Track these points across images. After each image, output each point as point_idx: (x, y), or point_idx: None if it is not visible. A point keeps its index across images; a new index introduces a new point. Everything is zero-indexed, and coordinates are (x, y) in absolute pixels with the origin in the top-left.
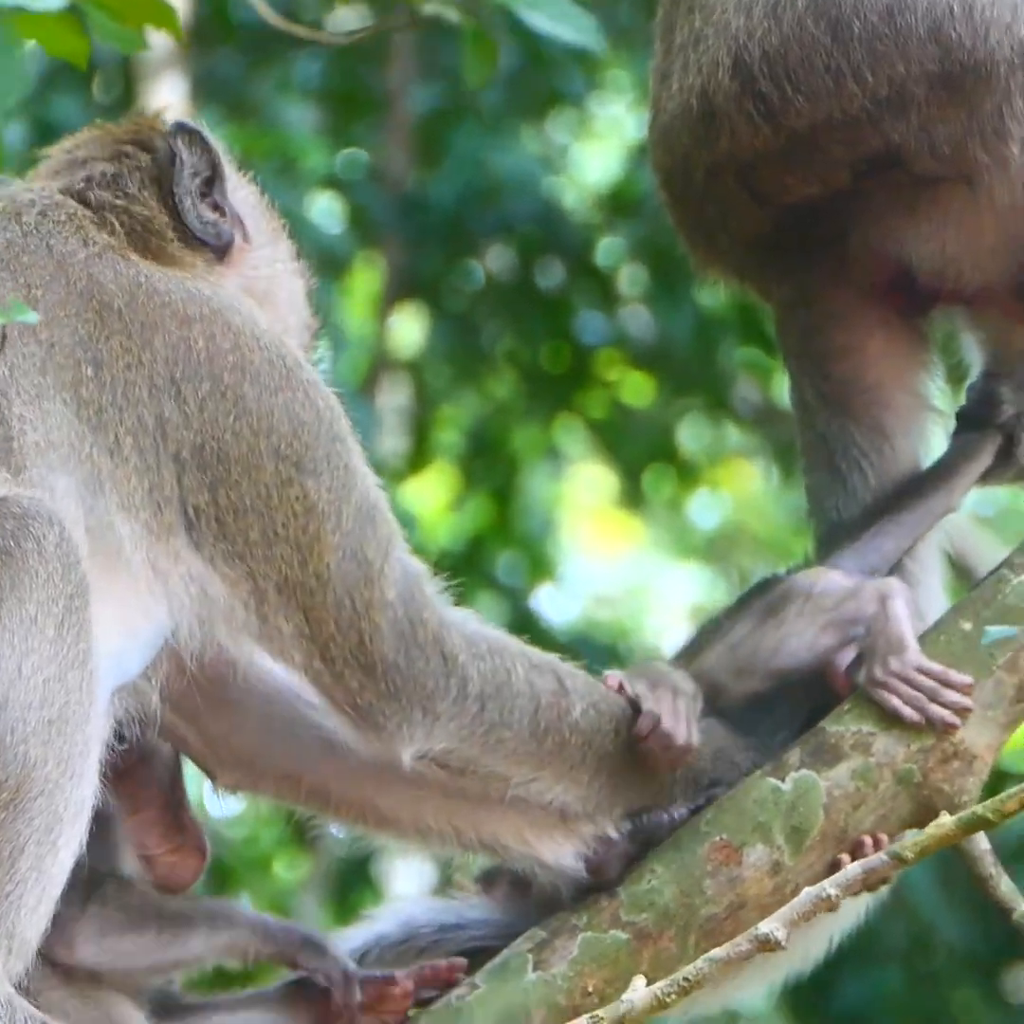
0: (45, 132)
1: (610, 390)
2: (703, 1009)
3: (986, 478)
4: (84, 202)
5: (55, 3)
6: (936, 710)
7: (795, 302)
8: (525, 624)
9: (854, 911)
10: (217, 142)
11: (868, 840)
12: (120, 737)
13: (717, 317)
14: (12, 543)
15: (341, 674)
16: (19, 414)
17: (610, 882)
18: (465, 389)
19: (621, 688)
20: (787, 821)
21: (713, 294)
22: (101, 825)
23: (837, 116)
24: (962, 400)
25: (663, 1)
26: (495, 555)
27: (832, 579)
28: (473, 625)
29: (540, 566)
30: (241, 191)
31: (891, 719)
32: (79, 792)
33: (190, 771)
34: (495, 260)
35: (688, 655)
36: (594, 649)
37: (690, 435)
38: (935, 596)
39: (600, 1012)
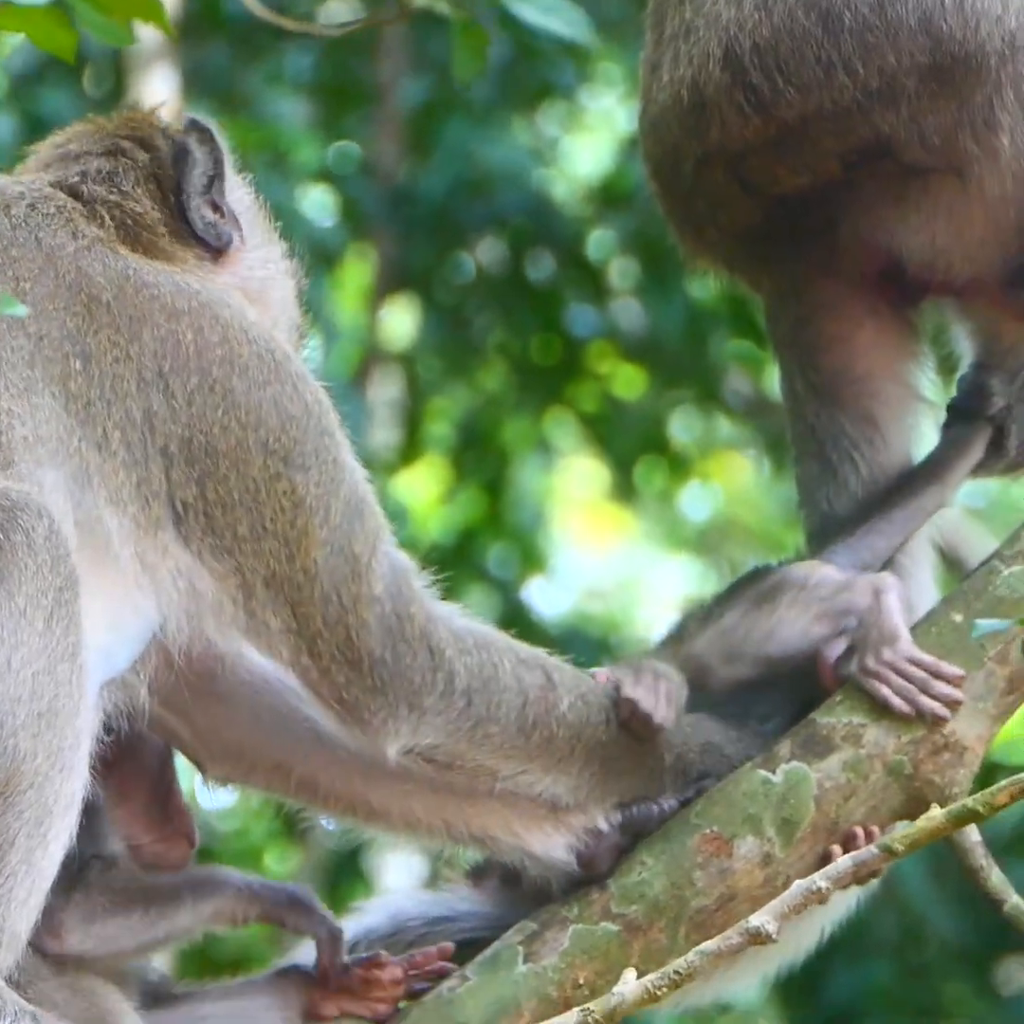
0: (35, 125)
1: (601, 382)
2: (694, 1001)
3: (977, 470)
4: (75, 195)
5: None
6: (926, 702)
7: (785, 293)
8: (516, 617)
9: (845, 902)
10: (224, 141)
11: (859, 832)
12: (108, 730)
13: (708, 309)
14: (1, 536)
15: (328, 669)
16: (8, 408)
17: (600, 874)
18: (456, 381)
19: (606, 679)
20: (778, 813)
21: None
22: (87, 814)
23: (828, 107)
24: (953, 392)
25: None
26: (486, 548)
27: (827, 571)
28: (460, 620)
29: (531, 559)
30: (238, 191)
31: (882, 711)
32: (69, 785)
33: (182, 762)
34: (486, 252)
35: (675, 639)
36: (585, 642)
37: (681, 427)
38: (926, 588)
39: (591, 1005)
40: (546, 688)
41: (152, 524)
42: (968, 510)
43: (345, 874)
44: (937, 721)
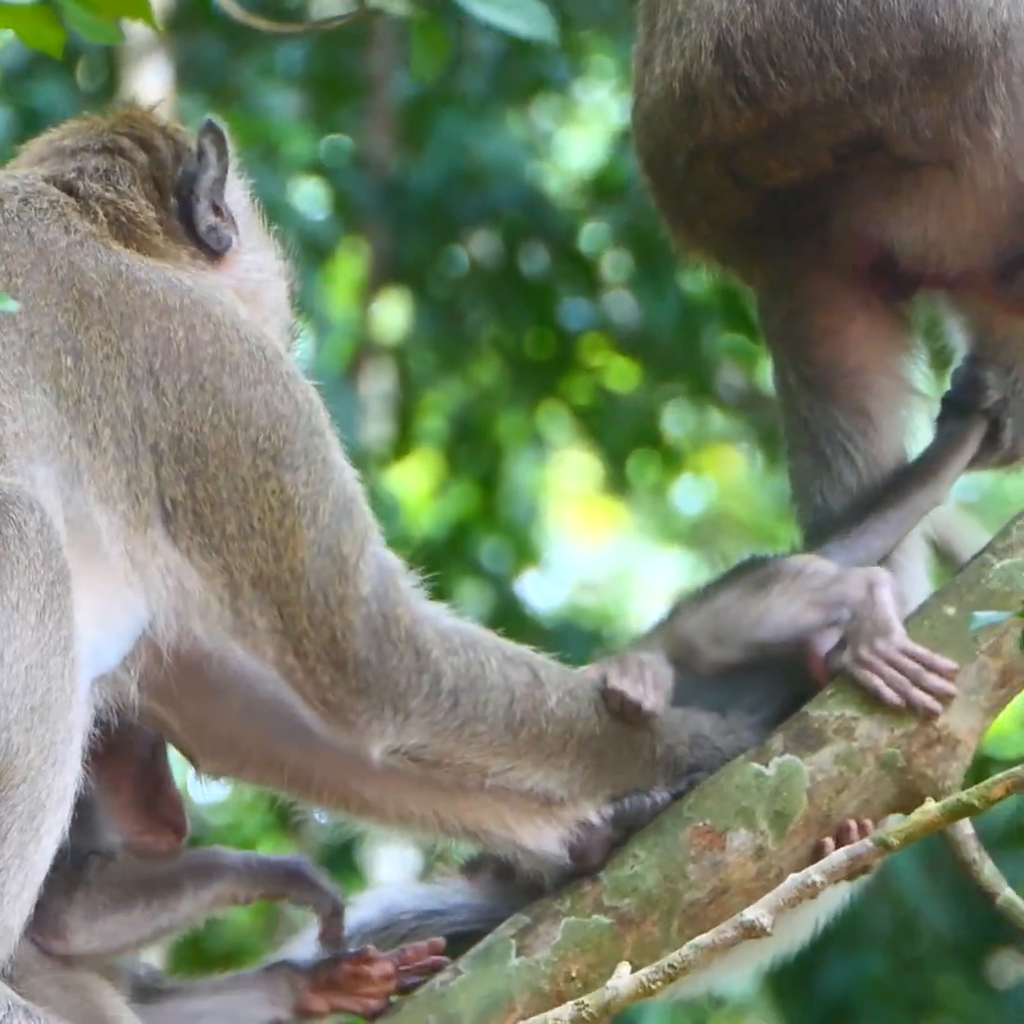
0: (28, 119)
1: (594, 376)
2: (687, 993)
3: (972, 464)
4: (70, 191)
5: None
6: (918, 695)
7: (777, 286)
8: (509, 610)
9: (838, 895)
10: (232, 144)
11: (852, 824)
12: (98, 723)
13: (701, 303)
14: None
15: (313, 670)
16: None
17: (593, 868)
18: (449, 375)
19: (593, 674)
20: (770, 806)
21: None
22: (83, 808)
23: (820, 100)
24: (947, 385)
25: None
26: (479, 542)
27: (822, 563)
28: (447, 620)
29: (524, 552)
30: (236, 191)
31: (874, 704)
32: (62, 779)
33: (175, 755)
34: (479, 246)
35: (666, 622)
36: (579, 635)
37: (674, 421)
38: (918, 582)
39: (585, 999)
40: (533, 685)
41: (141, 522)
42: (961, 504)
43: (338, 868)
44: (928, 714)
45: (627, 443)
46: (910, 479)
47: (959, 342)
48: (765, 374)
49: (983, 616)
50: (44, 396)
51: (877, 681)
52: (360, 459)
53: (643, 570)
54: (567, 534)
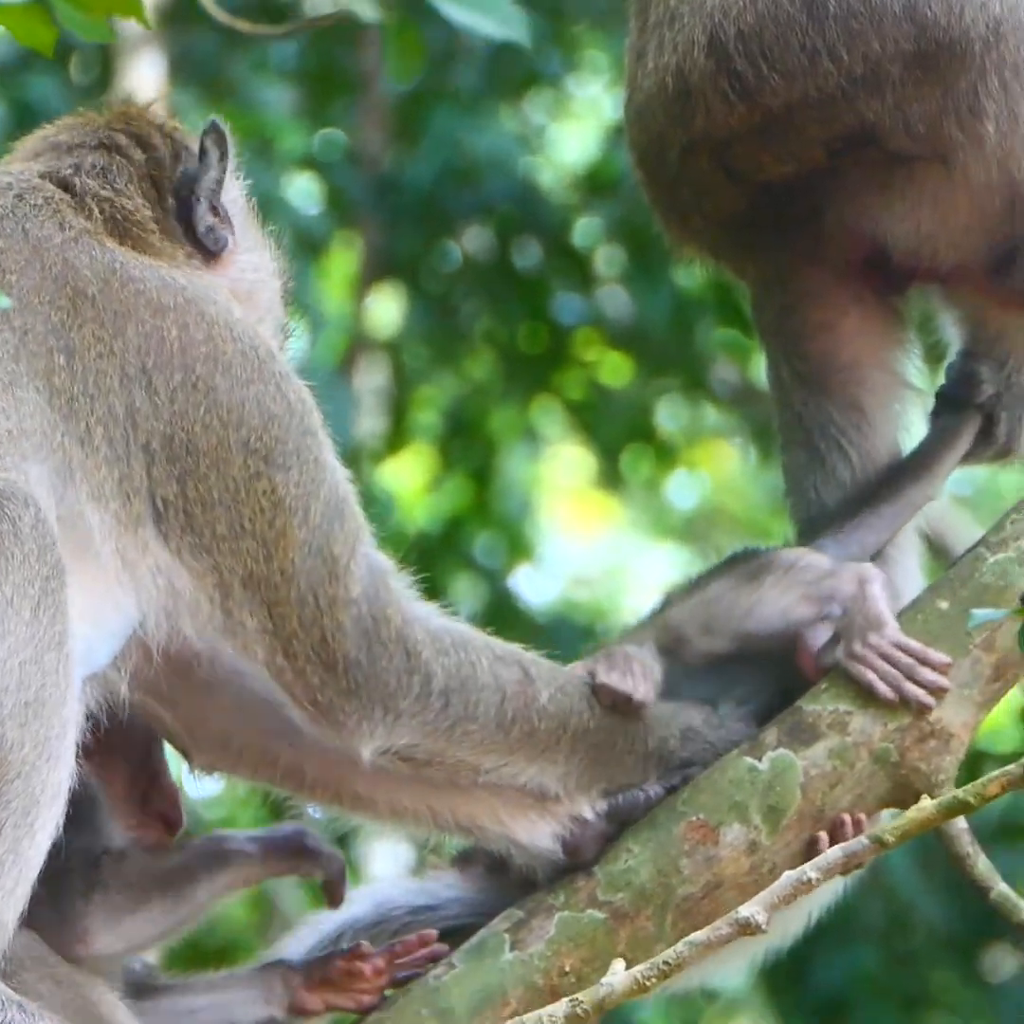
0: (22, 113)
1: (588, 371)
2: (681, 988)
3: (966, 458)
4: (65, 187)
5: None
6: (911, 689)
7: (770, 280)
8: (503, 605)
9: (832, 889)
10: (233, 144)
11: (847, 819)
12: (91, 721)
13: (694, 298)
14: None
15: (303, 670)
16: None
17: (587, 862)
18: (442, 369)
19: (582, 671)
20: (764, 800)
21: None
22: (90, 808)
23: (812, 94)
24: (941, 379)
25: None
26: (473, 536)
27: (815, 557)
28: (438, 620)
29: (518, 547)
30: (233, 191)
31: (868, 698)
32: (56, 775)
33: (170, 750)
34: (472, 240)
35: (657, 611)
36: (572, 630)
37: (668, 415)
38: (911, 576)
39: (580, 995)
40: (524, 682)
41: (133, 521)
42: (954, 498)
43: None
44: (922, 708)
45: (620, 438)
46: (904, 474)
47: (953, 336)
48: (759, 369)
49: (980, 613)
50: (37, 394)
51: (870, 676)
52: (354, 454)
53: (636, 565)
54: (560, 529)
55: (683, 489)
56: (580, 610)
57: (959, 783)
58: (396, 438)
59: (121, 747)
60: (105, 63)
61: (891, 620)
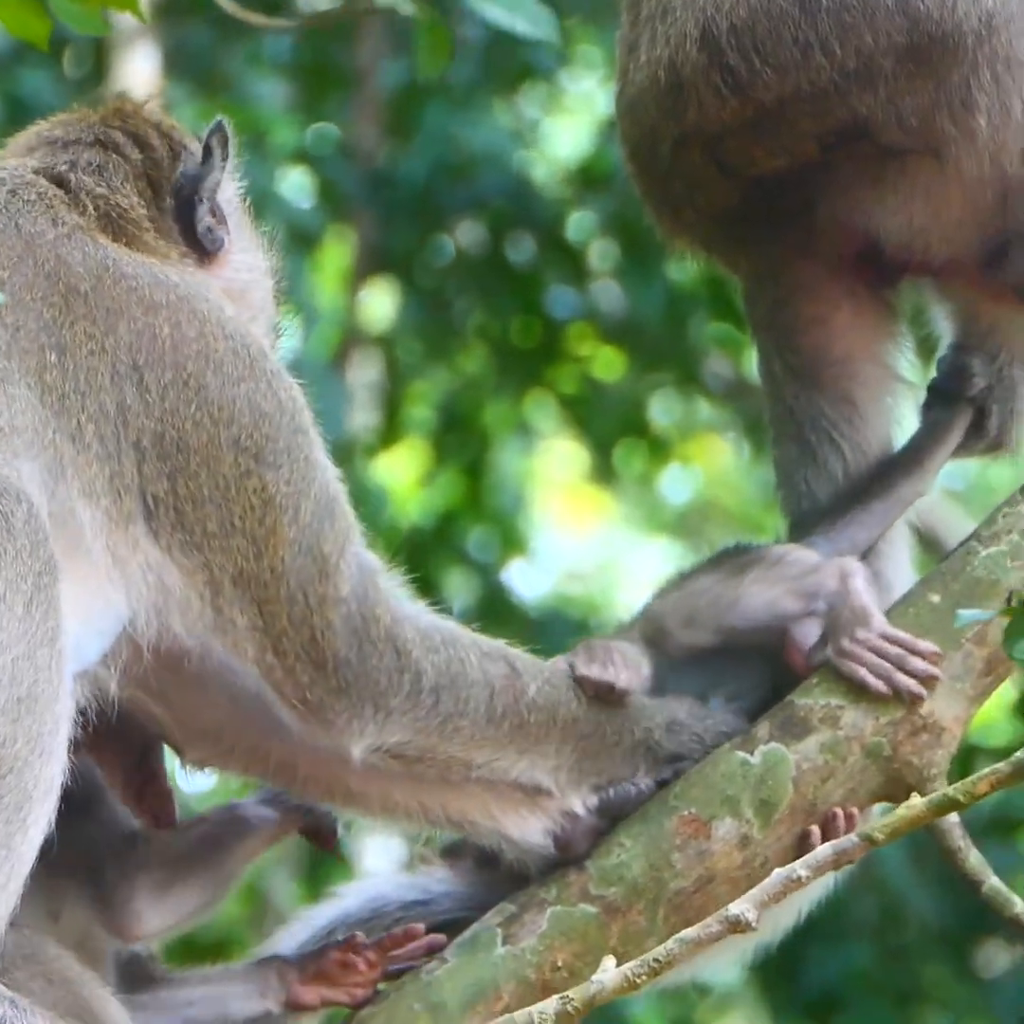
0: (15, 107)
1: (581, 365)
2: (673, 982)
3: (957, 451)
4: (60, 183)
5: None
6: (902, 680)
7: (762, 274)
8: (496, 599)
9: (823, 884)
10: (234, 145)
11: (839, 813)
12: (84, 718)
13: (688, 292)
14: None
15: (292, 668)
16: None
17: (579, 857)
18: (436, 364)
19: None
20: (756, 794)
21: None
22: (105, 795)
23: (805, 88)
24: (933, 373)
25: None
26: (466, 530)
27: (802, 553)
28: (426, 618)
29: (511, 541)
30: (229, 191)
31: (860, 692)
32: (49, 770)
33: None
34: (466, 235)
35: (646, 606)
36: (565, 624)
37: (661, 410)
38: (903, 569)
39: (570, 993)
40: (511, 676)
41: (124, 518)
42: (946, 492)
43: (325, 858)
44: (914, 699)
45: (614, 432)
46: (895, 469)
47: (945, 330)
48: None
49: (967, 613)
50: (28, 391)
51: (861, 672)
52: (347, 448)
53: (630, 559)
54: (554, 523)
55: (676, 483)
56: (573, 604)
57: (952, 777)
58: (389, 432)
59: (119, 745)
60: (99, 57)
61: (877, 612)
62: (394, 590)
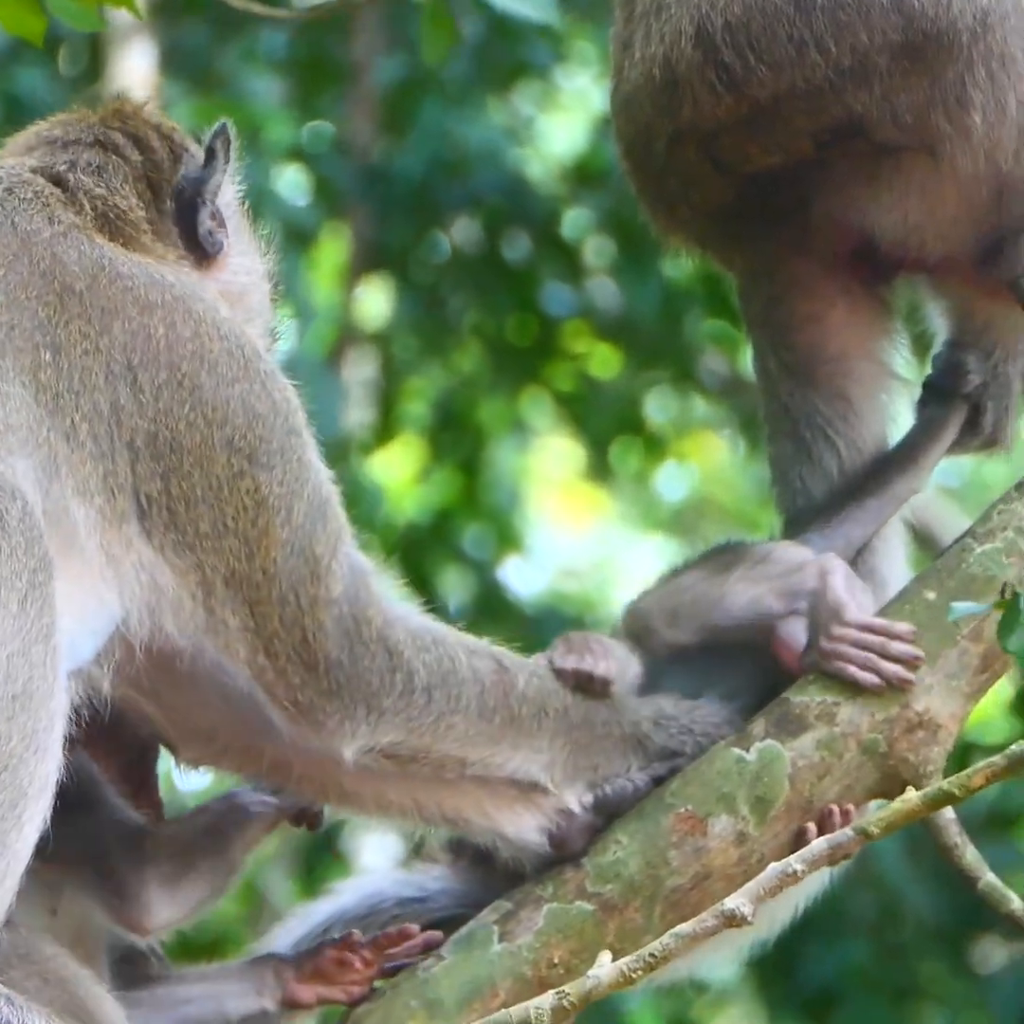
0: (11, 105)
1: (577, 362)
2: (669, 978)
3: (952, 448)
4: (58, 182)
5: None
6: (888, 666)
7: (757, 271)
8: (492, 596)
9: (819, 879)
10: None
11: (835, 810)
12: (79, 717)
13: (683, 289)
14: None
15: (284, 670)
16: None
17: (575, 854)
18: (431, 361)
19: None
20: (752, 791)
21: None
22: (105, 789)
23: (800, 86)
24: (928, 370)
25: None
26: (462, 528)
27: (787, 551)
28: (417, 618)
29: (507, 539)
30: (227, 194)
31: (855, 689)
32: (44, 767)
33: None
34: (461, 232)
35: (631, 604)
36: (561, 621)
37: (657, 407)
38: (898, 567)
39: (566, 988)
40: (500, 671)
41: (117, 517)
42: (941, 489)
43: (322, 855)
44: (902, 684)
45: (609, 429)
46: (890, 466)
47: (939, 327)
48: (747, 360)
49: (961, 606)
50: (23, 389)
51: (850, 668)
52: (343, 445)
53: (625, 556)
54: (549, 520)
55: (672, 480)
56: (569, 602)
57: (948, 774)
58: (385, 429)
59: (114, 744)
60: (94, 54)
61: (849, 602)
62: (386, 592)
